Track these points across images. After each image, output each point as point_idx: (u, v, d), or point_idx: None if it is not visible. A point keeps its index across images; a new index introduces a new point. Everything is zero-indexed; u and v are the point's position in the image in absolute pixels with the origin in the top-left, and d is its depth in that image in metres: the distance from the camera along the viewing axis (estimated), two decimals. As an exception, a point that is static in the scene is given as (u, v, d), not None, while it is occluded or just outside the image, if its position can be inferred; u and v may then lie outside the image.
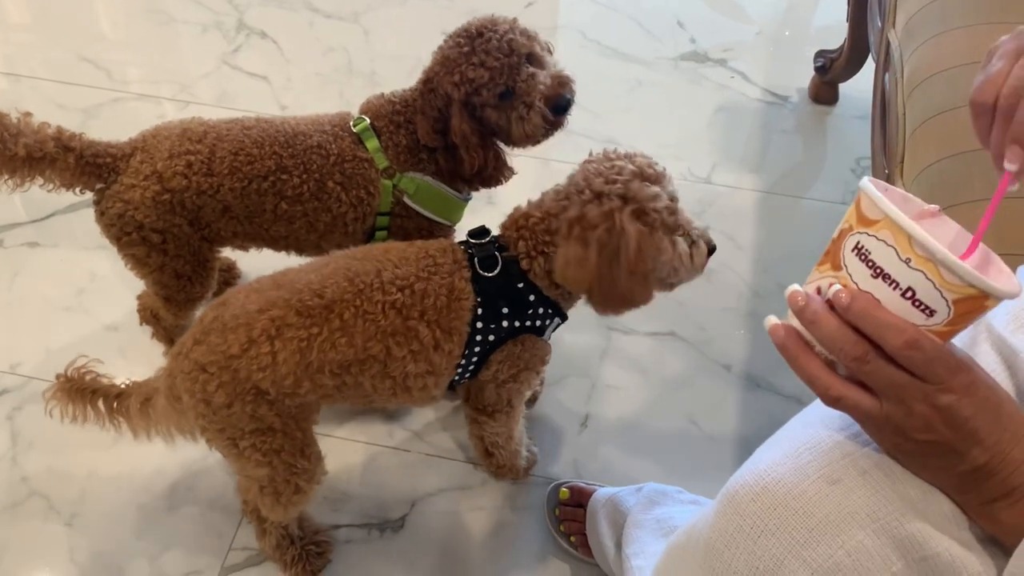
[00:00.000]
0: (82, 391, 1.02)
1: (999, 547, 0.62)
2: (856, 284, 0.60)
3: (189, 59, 2.02)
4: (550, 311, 1.05)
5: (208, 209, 1.15)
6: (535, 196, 1.05)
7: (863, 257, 0.60)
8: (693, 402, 1.43)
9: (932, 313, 0.59)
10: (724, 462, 1.35)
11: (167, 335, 1.38)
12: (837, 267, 0.62)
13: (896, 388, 0.60)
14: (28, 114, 1.10)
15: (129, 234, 1.15)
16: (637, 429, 1.39)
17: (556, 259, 0.98)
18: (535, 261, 1.01)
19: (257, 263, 1.54)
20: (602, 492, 1.22)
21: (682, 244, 0.99)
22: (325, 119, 1.20)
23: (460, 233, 1.25)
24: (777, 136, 1.89)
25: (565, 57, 2.01)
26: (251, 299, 0.95)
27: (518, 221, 1.03)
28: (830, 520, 0.63)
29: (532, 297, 1.02)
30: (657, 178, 0.97)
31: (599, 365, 1.47)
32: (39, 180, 1.12)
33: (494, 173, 1.22)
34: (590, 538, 1.20)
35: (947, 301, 0.58)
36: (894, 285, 0.59)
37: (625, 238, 0.93)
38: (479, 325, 1.00)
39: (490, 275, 1.00)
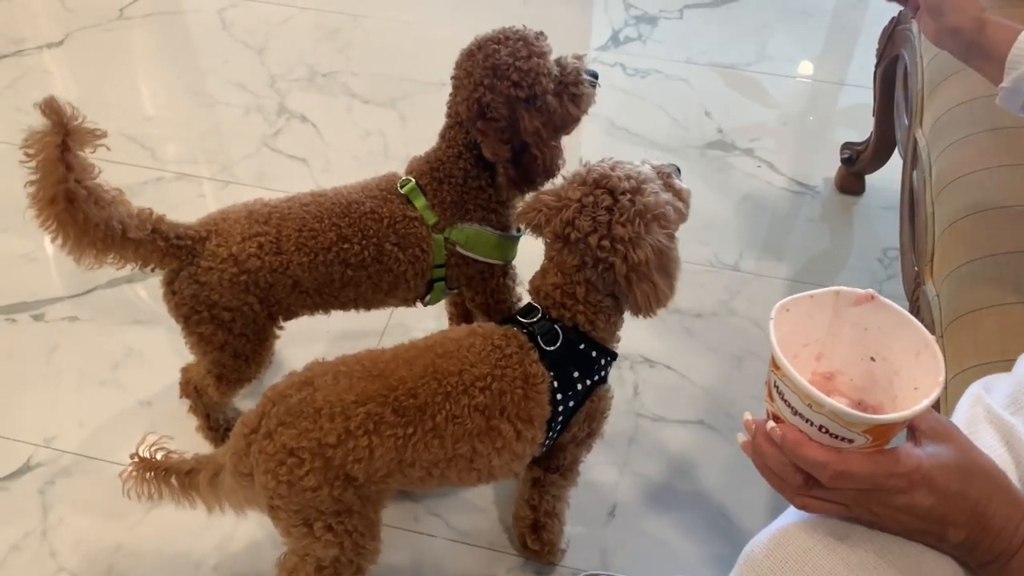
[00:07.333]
0: (156, 469, 1.04)
1: None
2: (784, 416, 0.64)
3: (230, 140, 2.09)
4: (608, 357, 1.09)
5: (279, 286, 1.19)
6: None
7: (781, 396, 0.64)
8: (722, 492, 1.42)
9: (851, 441, 0.61)
10: (753, 556, 1.33)
11: (205, 411, 1.39)
12: (771, 398, 0.65)
13: (851, 499, 0.64)
14: (120, 191, 1.11)
15: (200, 312, 1.18)
16: (666, 519, 1.38)
17: (635, 302, 1.02)
18: (597, 317, 1.05)
19: (293, 352, 1.57)
20: (630, 585, 1.20)
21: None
22: (373, 184, 1.24)
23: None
24: (803, 225, 1.91)
25: (593, 144, 2.07)
26: (342, 385, 0.98)
27: (549, 289, 1.06)
28: (837, 573, 0.65)
29: (594, 353, 1.06)
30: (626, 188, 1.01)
31: (627, 452, 1.47)
32: (113, 256, 1.12)
33: (557, 164, 1.24)
34: (618, 632, 1.18)
35: (858, 432, 0.60)
36: (809, 422, 0.62)
37: (665, 252, 1.02)
38: (559, 397, 1.04)
39: (554, 348, 1.03)
